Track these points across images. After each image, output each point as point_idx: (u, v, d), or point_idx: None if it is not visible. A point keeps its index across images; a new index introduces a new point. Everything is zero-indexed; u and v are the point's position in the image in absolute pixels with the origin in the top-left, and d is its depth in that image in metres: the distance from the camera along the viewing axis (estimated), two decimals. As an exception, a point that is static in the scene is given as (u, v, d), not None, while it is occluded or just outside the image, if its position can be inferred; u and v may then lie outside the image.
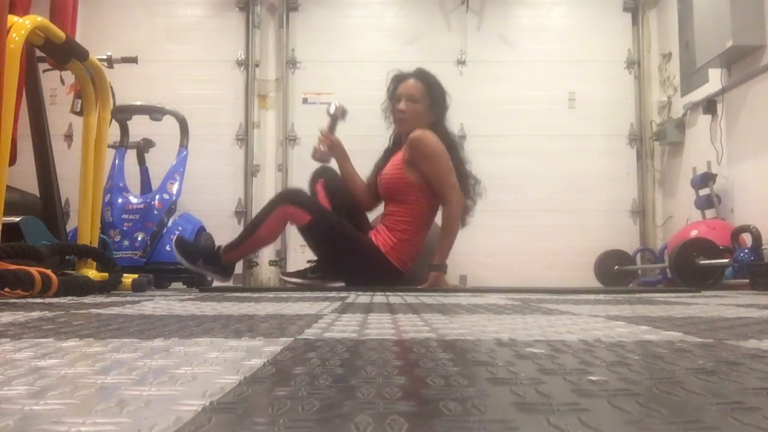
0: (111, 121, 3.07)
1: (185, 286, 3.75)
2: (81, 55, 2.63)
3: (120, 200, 3.95)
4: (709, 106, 4.69)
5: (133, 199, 4.00)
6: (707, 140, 4.71)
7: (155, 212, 3.90)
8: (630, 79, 5.76)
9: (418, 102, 3.33)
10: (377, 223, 3.44)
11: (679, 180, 5.29)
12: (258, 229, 3.33)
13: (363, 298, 2.14)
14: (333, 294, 2.50)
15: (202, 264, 3.30)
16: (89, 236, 2.74)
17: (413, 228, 3.26)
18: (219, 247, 3.43)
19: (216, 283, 3.87)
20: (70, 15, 2.90)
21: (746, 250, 3.60)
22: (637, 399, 0.46)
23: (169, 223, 4.02)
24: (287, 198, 3.37)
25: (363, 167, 5.55)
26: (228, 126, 5.61)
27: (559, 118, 5.65)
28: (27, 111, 2.82)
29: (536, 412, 0.42)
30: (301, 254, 4.23)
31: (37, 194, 2.94)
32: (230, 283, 4.97)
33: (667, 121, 5.38)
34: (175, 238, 3.44)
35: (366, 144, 5.61)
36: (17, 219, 2.56)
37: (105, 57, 3.57)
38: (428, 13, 5.78)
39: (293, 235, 5.46)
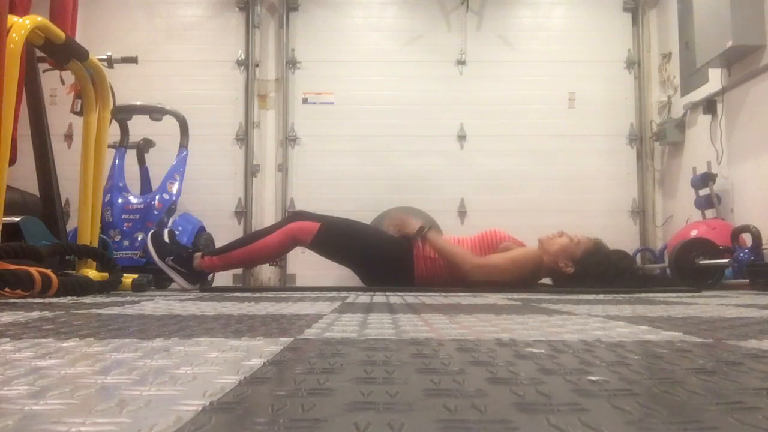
0: (111, 121, 3.06)
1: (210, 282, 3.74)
2: (81, 55, 2.63)
3: (120, 200, 3.95)
4: (709, 106, 4.69)
5: (133, 199, 4.00)
6: (707, 140, 4.71)
7: (155, 212, 3.90)
8: (630, 79, 5.76)
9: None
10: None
11: (679, 180, 5.28)
12: (257, 241, 3.32)
13: (363, 298, 2.15)
14: (333, 294, 2.50)
15: (170, 261, 3.24)
16: (89, 236, 2.74)
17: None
18: (193, 250, 3.40)
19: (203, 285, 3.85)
20: (70, 15, 2.90)
21: (746, 250, 3.60)
22: (637, 399, 0.46)
23: (169, 223, 4.02)
24: (295, 216, 3.42)
25: (361, 167, 5.59)
26: (228, 126, 5.61)
27: (559, 118, 5.65)
28: (27, 111, 2.82)
29: (536, 412, 0.42)
30: (301, 254, 4.23)
31: (37, 194, 2.94)
32: (230, 283, 4.98)
33: (667, 121, 5.38)
34: (152, 231, 3.42)
35: (365, 143, 5.65)
36: (17, 219, 2.56)
37: (105, 57, 3.56)
38: (428, 13, 5.78)
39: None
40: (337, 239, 3.25)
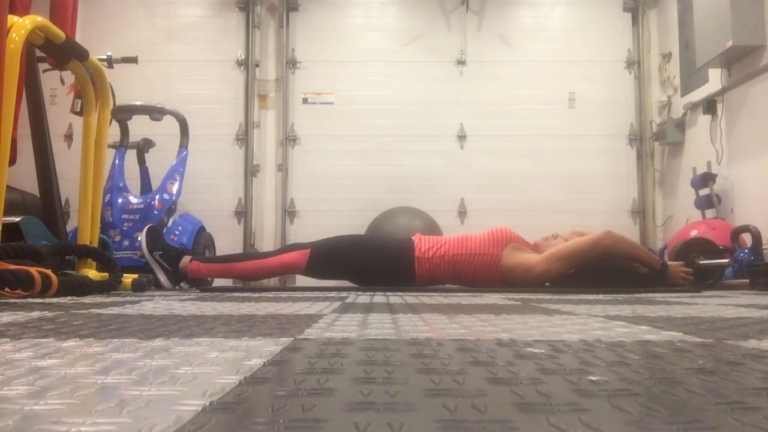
0: (111, 121, 3.06)
1: (188, 286, 3.75)
2: (81, 55, 2.63)
3: (120, 200, 3.95)
4: (709, 106, 4.69)
5: (133, 199, 4.00)
6: (707, 140, 4.71)
7: (155, 212, 3.90)
8: (630, 79, 5.76)
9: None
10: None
11: (679, 180, 5.29)
12: (249, 261, 3.42)
13: (363, 298, 2.15)
14: (333, 294, 2.50)
15: (158, 256, 3.32)
16: (89, 236, 2.73)
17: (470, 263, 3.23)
18: (183, 251, 3.46)
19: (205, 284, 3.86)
20: (70, 15, 2.90)
21: (746, 250, 3.59)
22: (637, 399, 0.46)
23: (169, 223, 4.02)
24: (288, 247, 3.50)
25: (361, 167, 5.59)
26: (228, 126, 5.61)
27: (559, 118, 5.65)
28: (27, 111, 2.82)
29: (536, 412, 0.42)
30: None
31: (37, 194, 2.94)
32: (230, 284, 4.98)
33: (667, 121, 5.38)
34: (150, 225, 3.46)
35: (365, 143, 5.65)
36: (17, 219, 2.56)
37: (105, 57, 3.57)
38: (428, 13, 5.79)
39: (290, 236, 5.47)
40: (330, 255, 3.28)
